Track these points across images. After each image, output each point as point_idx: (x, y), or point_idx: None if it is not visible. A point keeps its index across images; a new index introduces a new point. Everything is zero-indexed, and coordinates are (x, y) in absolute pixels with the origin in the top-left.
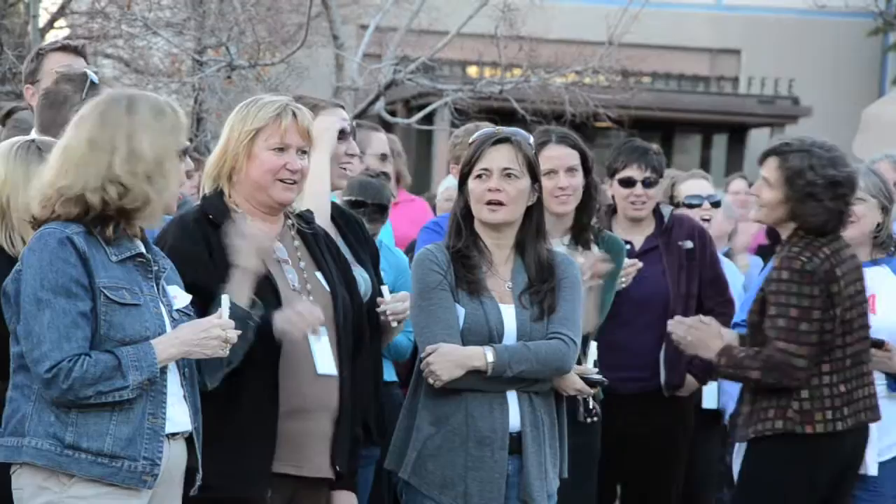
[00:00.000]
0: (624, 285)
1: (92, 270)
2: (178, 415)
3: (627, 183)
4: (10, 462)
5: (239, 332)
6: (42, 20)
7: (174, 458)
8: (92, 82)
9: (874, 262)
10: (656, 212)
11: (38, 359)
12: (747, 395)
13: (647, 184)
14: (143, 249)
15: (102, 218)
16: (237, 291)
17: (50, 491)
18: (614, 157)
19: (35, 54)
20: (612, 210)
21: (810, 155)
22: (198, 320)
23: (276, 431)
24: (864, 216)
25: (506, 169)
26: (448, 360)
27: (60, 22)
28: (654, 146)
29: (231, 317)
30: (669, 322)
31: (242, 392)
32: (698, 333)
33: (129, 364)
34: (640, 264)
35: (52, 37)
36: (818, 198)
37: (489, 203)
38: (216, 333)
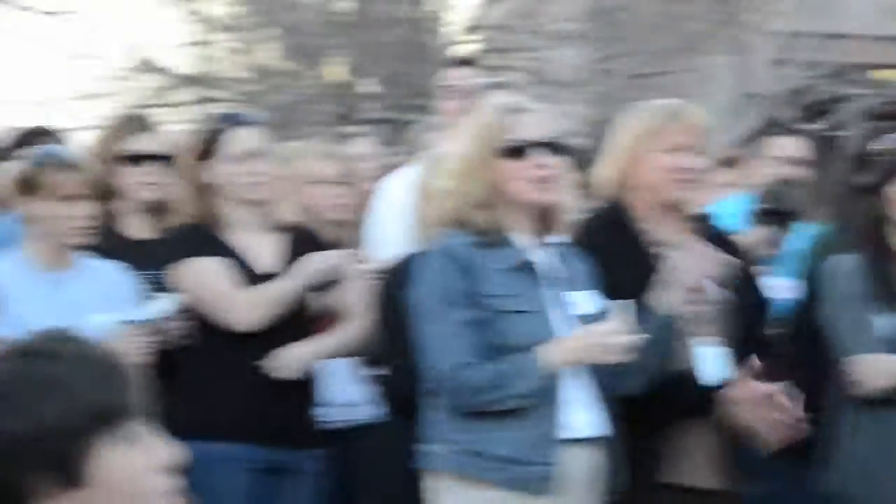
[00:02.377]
0: None
1: (476, 280)
2: (580, 421)
3: None
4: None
5: (637, 336)
6: (454, 35)
7: (577, 464)
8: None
9: None
10: None
11: (425, 368)
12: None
13: None
14: (529, 256)
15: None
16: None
17: (454, 492)
18: None
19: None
20: None
21: None
22: (589, 326)
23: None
24: None
25: None
26: (877, 369)
27: (470, 36)
28: None
29: (651, 323)
30: None
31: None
32: None
33: (514, 372)
34: None
35: (460, 50)
36: None
37: None
38: (606, 340)
